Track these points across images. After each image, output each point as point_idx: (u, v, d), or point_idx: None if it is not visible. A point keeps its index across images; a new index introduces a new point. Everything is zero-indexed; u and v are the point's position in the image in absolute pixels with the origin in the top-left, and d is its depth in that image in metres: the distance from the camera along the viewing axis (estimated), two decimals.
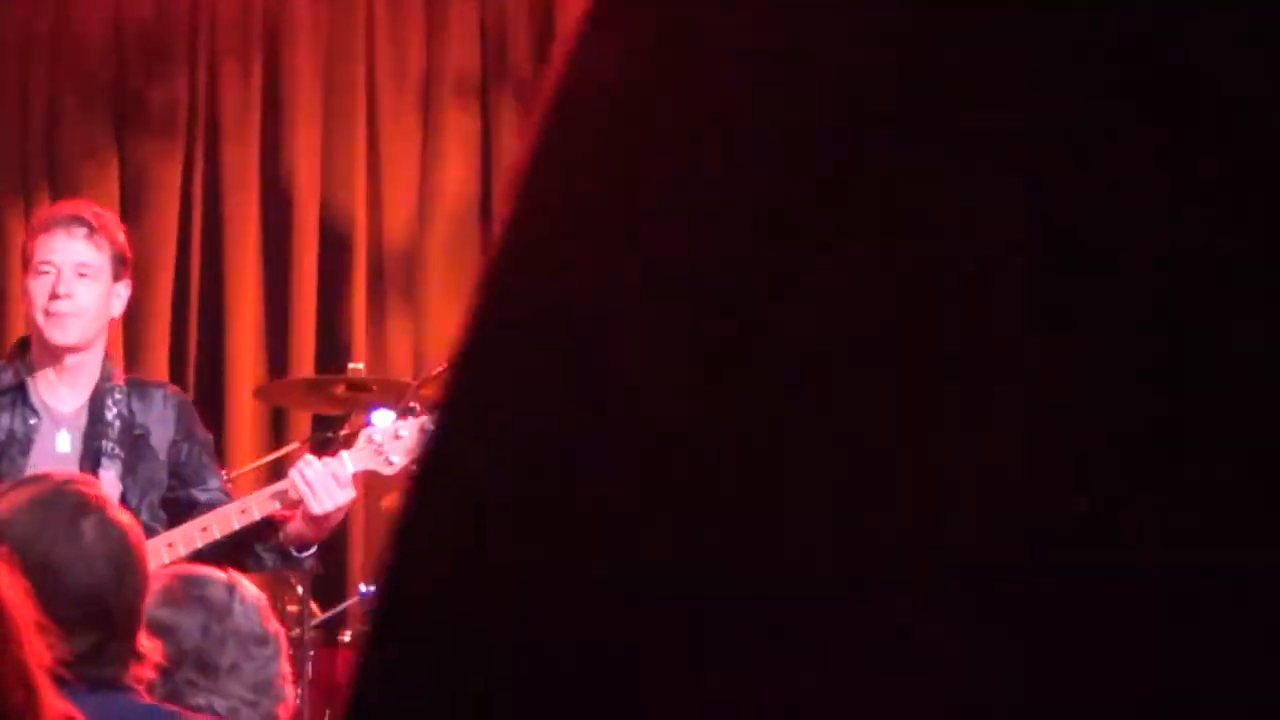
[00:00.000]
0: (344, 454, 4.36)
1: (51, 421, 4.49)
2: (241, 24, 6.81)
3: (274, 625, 3.31)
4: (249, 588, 3.32)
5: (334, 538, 6.45)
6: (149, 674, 2.89)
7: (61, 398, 4.51)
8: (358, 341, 6.73)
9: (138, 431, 4.50)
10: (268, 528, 4.36)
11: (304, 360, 6.64)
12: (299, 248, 6.77)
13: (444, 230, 6.87)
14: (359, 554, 6.59)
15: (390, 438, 4.40)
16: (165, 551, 4.22)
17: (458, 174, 6.88)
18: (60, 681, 2.58)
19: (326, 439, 5.05)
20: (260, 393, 6.35)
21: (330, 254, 6.79)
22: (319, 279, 6.78)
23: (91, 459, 4.45)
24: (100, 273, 4.50)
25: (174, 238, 6.69)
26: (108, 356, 4.60)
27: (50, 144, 6.62)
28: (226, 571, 3.37)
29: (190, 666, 3.09)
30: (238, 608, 3.20)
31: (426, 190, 6.88)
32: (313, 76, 6.82)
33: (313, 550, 4.40)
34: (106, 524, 2.92)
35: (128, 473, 4.46)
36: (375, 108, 6.88)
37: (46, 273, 4.48)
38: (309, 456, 4.36)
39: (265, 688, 3.22)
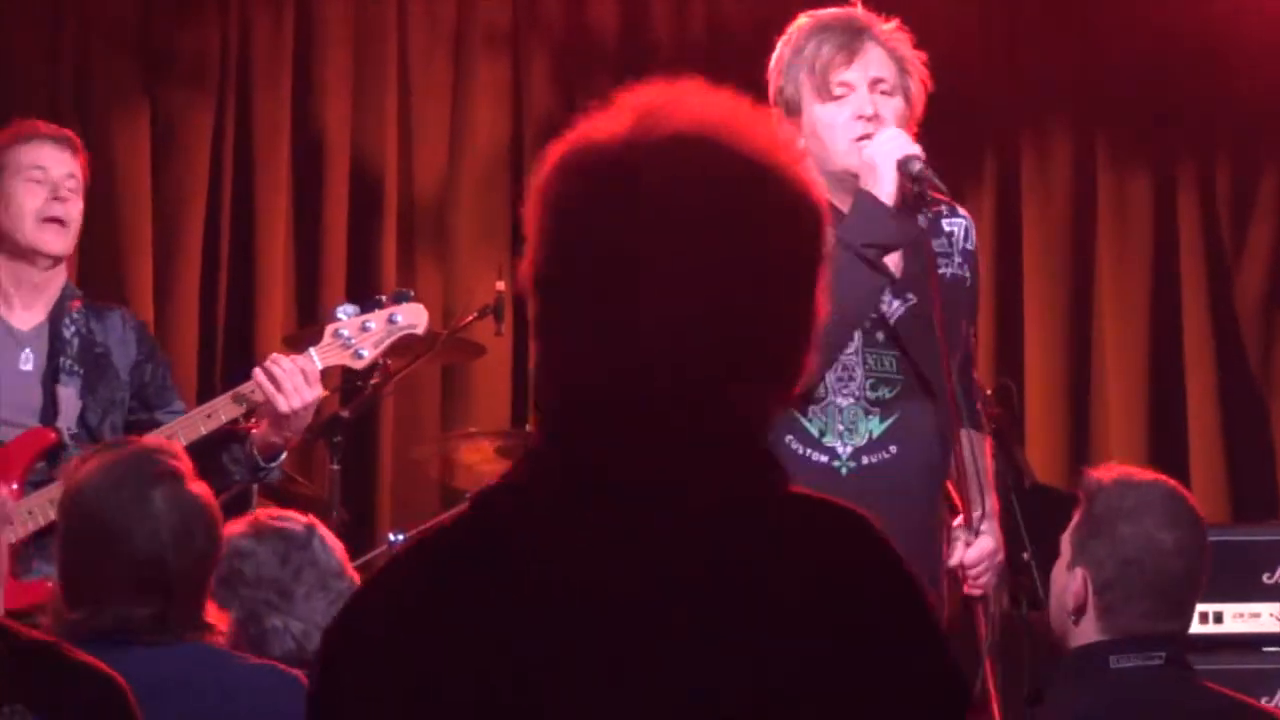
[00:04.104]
0: (311, 350, 4.22)
1: (13, 340, 4.37)
2: None
3: (350, 566, 3.47)
4: (327, 531, 3.46)
5: (363, 486, 6.46)
6: (219, 639, 3.00)
7: (19, 316, 4.39)
8: (387, 289, 6.71)
9: (99, 350, 4.38)
10: (234, 440, 4.21)
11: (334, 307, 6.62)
12: (329, 196, 6.77)
13: (474, 179, 6.86)
14: (388, 502, 6.59)
15: (357, 331, 4.25)
16: None
17: (488, 123, 6.87)
18: (126, 644, 2.74)
19: (297, 339, 4.96)
20: (290, 340, 6.33)
21: (360, 202, 6.79)
22: (349, 227, 6.78)
23: (52, 375, 4.33)
24: (80, 192, 4.41)
25: (205, 186, 6.69)
26: (68, 278, 4.48)
27: (80, 94, 6.62)
28: (308, 516, 3.50)
29: (268, 589, 3.26)
30: (317, 543, 3.36)
31: (457, 139, 6.87)
32: (344, 25, 6.81)
33: (280, 460, 4.23)
34: (180, 494, 2.96)
35: (88, 391, 4.34)
36: (406, 56, 6.87)
37: (39, 180, 4.33)
38: (276, 355, 4.21)
39: None
